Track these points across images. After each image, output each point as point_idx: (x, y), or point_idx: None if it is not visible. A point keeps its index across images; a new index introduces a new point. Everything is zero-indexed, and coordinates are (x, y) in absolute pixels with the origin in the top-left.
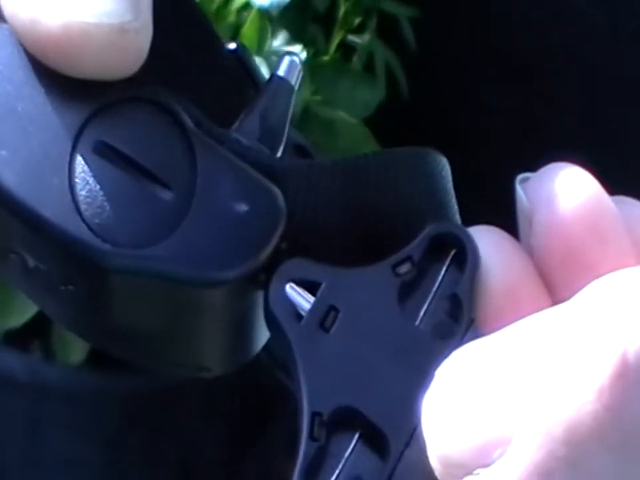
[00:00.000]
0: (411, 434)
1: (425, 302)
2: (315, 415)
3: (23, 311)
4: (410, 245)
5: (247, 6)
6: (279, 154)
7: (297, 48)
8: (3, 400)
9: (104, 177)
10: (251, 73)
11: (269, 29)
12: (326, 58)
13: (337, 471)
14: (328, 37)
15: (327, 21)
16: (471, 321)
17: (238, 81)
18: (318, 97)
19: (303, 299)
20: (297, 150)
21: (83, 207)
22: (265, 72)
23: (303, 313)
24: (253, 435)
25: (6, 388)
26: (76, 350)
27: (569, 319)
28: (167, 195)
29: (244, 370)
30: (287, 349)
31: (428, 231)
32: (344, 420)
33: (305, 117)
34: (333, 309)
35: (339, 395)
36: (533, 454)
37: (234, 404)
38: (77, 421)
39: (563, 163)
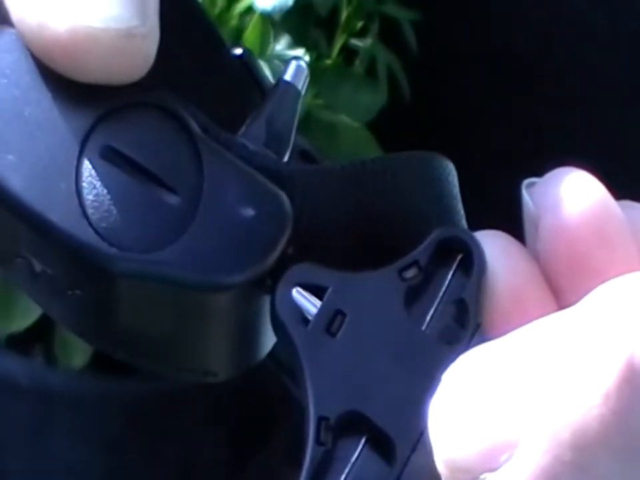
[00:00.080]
0: (418, 438)
1: (431, 307)
2: (321, 419)
3: (25, 316)
4: (416, 249)
5: (249, 10)
6: (285, 159)
7: (299, 52)
8: (4, 404)
9: (111, 182)
10: (256, 78)
11: (272, 33)
12: (328, 62)
13: (344, 476)
14: (330, 40)
15: (329, 24)
16: (477, 326)
17: (244, 86)
18: (320, 101)
19: (309, 304)
20: (303, 155)
21: (89, 211)
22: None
23: (310, 318)
24: (256, 440)
25: (8, 392)
26: (78, 354)
27: (575, 323)
28: (173, 200)
29: (247, 375)
30: (293, 354)
31: (434, 235)
32: (350, 424)
33: (307, 121)
34: (339, 313)
35: (345, 400)
36: (540, 458)
37: (236, 409)
38: (79, 426)
39: (569, 167)
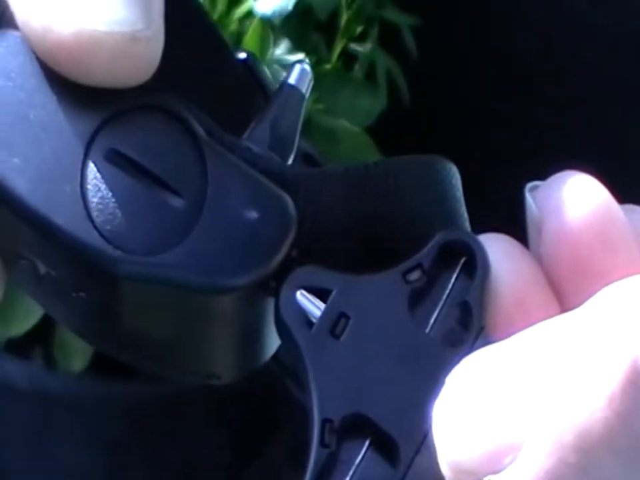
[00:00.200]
0: (422, 441)
1: (435, 309)
2: (325, 421)
3: (25, 319)
4: (420, 252)
5: (249, 15)
6: (289, 162)
7: (299, 56)
8: (4, 408)
9: (116, 185)
10: (260, 81)
11: (271, 38)
12: (328, 66)
13: (348, 478)
14: (330, 45)
15: (328, 29)
16: (481, 329)
17: (248, 90)
18: (320, 106)
19: (313, 306)
20: (306, 159)
21: (94, 214)
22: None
23: (314, 320)
24: (258, 443)
25: (7, 396)
26: (77, 358)
27: (579, 326)
28: (178, 203)
29: (250, 378)
30: (297, 356)
31: (438, 238)
32: (354, 427)
33: (307, 126)
34: (343, 315)
35: (349, 402)
36: (544, 461)
37: (239, 412)
38: (79, 429)
39: (572, 171)
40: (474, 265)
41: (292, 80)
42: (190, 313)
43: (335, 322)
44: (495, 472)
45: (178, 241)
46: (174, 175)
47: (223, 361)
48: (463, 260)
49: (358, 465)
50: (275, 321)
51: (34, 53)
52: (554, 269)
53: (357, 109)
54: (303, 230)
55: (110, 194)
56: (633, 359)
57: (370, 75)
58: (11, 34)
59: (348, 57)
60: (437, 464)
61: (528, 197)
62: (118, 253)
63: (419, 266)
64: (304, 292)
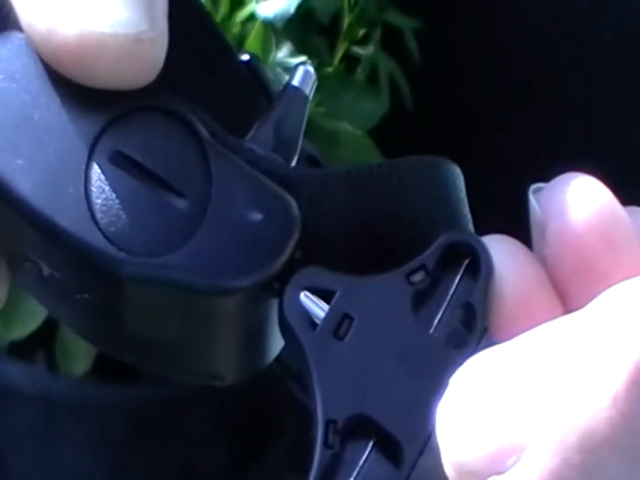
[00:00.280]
0: (425, 442)
1: (438, 310)
2: (329, 422)
3: (27, 322)
4: (424, 253)
5: (251, 18)
6: (293, 163)
7: (301, 60)
8: (6, 411)
9: (119, 186)
10: (263, 83)
11: (273, 41)
12: (330, 69)
13: (352, 479)
14: (332, 48)
15: (330, 32)
16: (485, 330)
17: (251, 92)
18: (322, 109)
19: (317, 307)
20: (309, 161)
21: (98, 215)
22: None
23: (318, 321)
24: (259, 446)
25: (10, 399)
26: (80, 361)
27: (582, 327)
28: (181, 204)
29: (251, 380)
30: (301, 357)
31: (441, 239)
32: (358, 428)
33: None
34: (347, 317)
35: (353, 403)
36: (547, 461)
37: (239, 415)
38: (82, 432)
39: (576, 172)
40: (477, 266)
41: (295, 82)
42: (193, 314)
43: (339, 323)
44: (499, 473)
45: (182, 242)
46: (178, 177)
47: (227, 362)
48: (466, 261)
49: (362, 466)
50: (278, 322)
51: (38, 54)
52: (557, 271)
53: (359, 112)
54: (307, 231)
55: (114, 195)
56: (637, 360)
57: (372, 78)
58: (15, 36)
59: (350, 60)
60: (440, 465)
61: (531, 198)
62: (122, 254)
63: (422, 267)
64: (308, 293)
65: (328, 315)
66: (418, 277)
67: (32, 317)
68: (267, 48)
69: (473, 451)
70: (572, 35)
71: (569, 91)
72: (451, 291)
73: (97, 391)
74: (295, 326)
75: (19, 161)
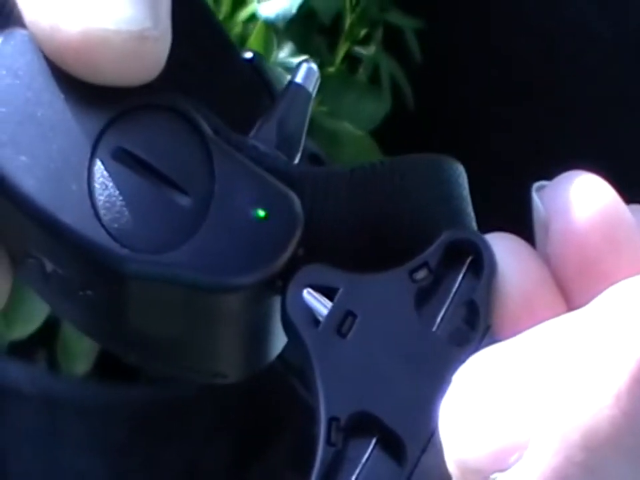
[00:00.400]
0: (428, 439)
1: (441, 308)
2: (332, 419)
3: (28, 322)
4: (426, 251)
5: (252, 18)
6: (296, 161)
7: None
8: (7, 411)
9: (122, 183)
10: (266, 81)
11: (275, 41)
12: (331, 69)
13: (354, 476)
14: (333, 48)
15: (332, 32)
16: (487, 328)
17: (254, 90)
18: (323, 109)
19: (320, 305)
20: (312, 159)
21: (101, 212)
22: None
23: (320, 319)
24: (261, 445)
25: (11, 399)
26: (81, 361)
27: (585, 325)
28: (184, 201)
29: (254, 380)
30: (304, 355)
31: (444, 237)
32: (361, 425)
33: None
34: (350, 314)
35: (356, 400)
36: (550, 459)
37: (241, 416)
38: (83, 432)
39: (579, 170)
40: (480, 264)
41: (299, 79)
42: (196, 311)
43: (342, 320)
44: (502, 470)
45: (185, 239)
46: (181, 174)
47: (230, 359)
48: (469, 259)
49: (364, 464)
50: (281, 319)
51: (41, 51)
52: (560, 269)
53: (360, 112)
54: (310, 228)
55: (117, 192)
56: (639, 358)
57: (374, 78)
58: (19, 32)
59: (352, 60)
60: (443, 462)
61: (535, 196)
62: (125, 251)
63: (425, 265)
64: (310, 290)
65: (331, 312)
66: (421, 274)
67: (33, 316)
68: (268, 48)
69: (476, 448)
70: (572, 35)
71: (569, 91)
72: (454, 289)
73: (98, 390)
74: (298, 323)
75: (23, 158)
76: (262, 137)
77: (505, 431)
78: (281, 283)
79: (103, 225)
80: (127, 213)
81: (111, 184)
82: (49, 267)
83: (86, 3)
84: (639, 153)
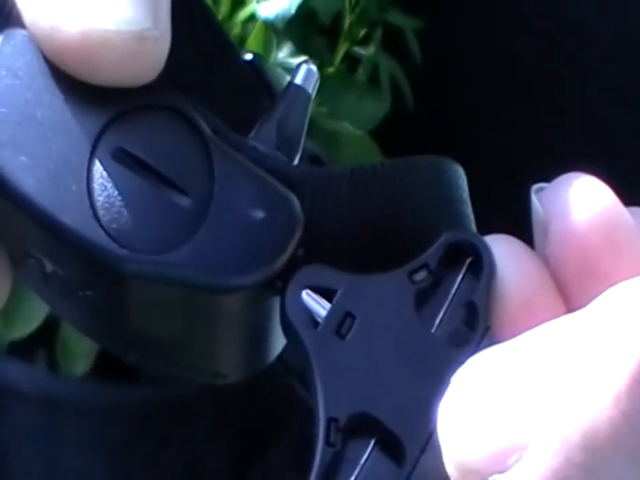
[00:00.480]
0: (427, 440)
1: (441, 309)
2: (331, 420)
3: (27, 322)
4: (426, 252)
5: (252, 18)
6: (295, 162)
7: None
8: (7, 411)
9: (122, 183)
10: (266, 82)
11: (274, 41)
12: (331, 70)
13: (353, 477)
14: (333, 48)
15: (331, 32)
16: (487, 329)
17: (254, 91)
18: (323, 109)
19: (319, 306)
20: (313, 160)
21: (101, 212)
22: None
23: (320, 320)
24: (261, 446)
25: (10, 399)
26: (80, 361)
27: (584, 326)
28: (184, 201)
29: (253, 380)
30: (303, 356)
31: (444, 238)
32: (360, 426)
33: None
34: (349, 315)
35: (355, 401)
36: (550, 460)
37: (242, 414)
38: (83, 432)
39: (578, 172)
40: (480, 266)
41: (298, 80)
42: (196, 312)
43: (341, 321)
44: (501, 471)
45: (184, 239)
46: (180, 174)
47: (229, 359)
48: (469, 260)
49: (363, 465)
50: (280, 320)
51: (41, 51)
52: (560, 271)
53: (360, 112)
54: (309, 229)
55: (116, 192)
56: (639, 359)
57: (373, 78)
58: (19, 32)
59: (351, 61)
60: (442, 463)
61: (534, 198)
62: (124, 251)
63: (425, 266)
64: (310, 291)
65: (330, 313)
66: (420, 275)
67: (32, 316)
68: (267, 48)
69: (475, 449)
70: (572, 35)
71: (569, 91)
72: (453, 290)
73: (98, 390)
74: (297, 324)
75: (22, 158)
76: (262, 137)
77: (504, 432)
78: (281, 283)
79: (102, 226)
80: (126, 213)
81: (110, 184)
82: (49, 267)
83: (86, 3)
84: (639, 153)
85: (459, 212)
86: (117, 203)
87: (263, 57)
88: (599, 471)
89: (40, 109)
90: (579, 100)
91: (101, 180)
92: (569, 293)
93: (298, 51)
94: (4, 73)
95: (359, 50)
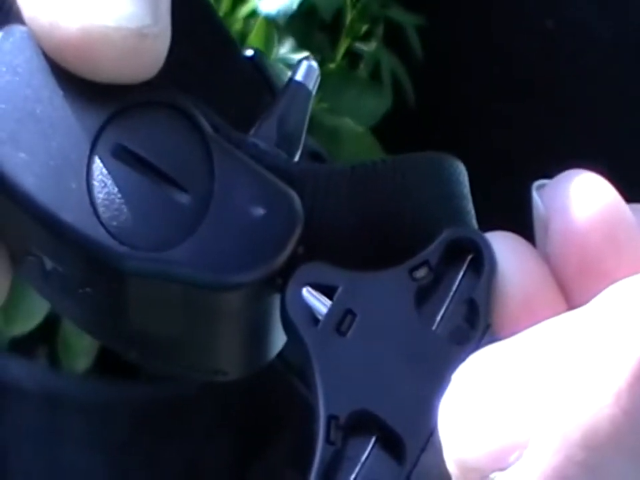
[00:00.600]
0: (428, 438)
1: (441, 307)
2: (331, 418)
3: (28, 318)
4: (427, 249)
5: (253, 14)
6: (296, 159)
7: (303, 55)
8: (8, 408)
9: (122, 180)
10: (267, 78)
11: (276, 37)
12: (332, 66)
13: (354, 475)
14: (334, 44)
15: (333, 29)
16: (487, 326)
17: (254, 87)
18: (324, 105)
19: (319, 303)
20: (313, 157)
21: (100, 209)
22: None
23: (320, 317)
24: (261, 444)
25: (11, 395)
26: (81, 358)
27: (585, 323)
28: (184, 199)
29: (254, 378)
30: (303, 353)
31: (445, 235)
32: (360, 424)
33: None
34: (349, 312)
35: (355, 399)
36: (550, 458)
37: (242, 412)
38: (83, 429)
39: (580, 169)
40: (481, 263)
41: (299, 76)
42: (196, 309)
43: (341, 319)
44: (501, 469)
45: (184, 237)
46: (180, 171)
47: (229, 357)
48: (469, 257)
49: (364, 462)
50: (280, 317)
51: (41, 48)
52: (561, 268)
53: (361, 108)
54: (310, 227)
55: (116, 190)
56: (639, 357)
57: (375, 74)
58: (18, 29)
59: (352, 57)
60: (443, 461)
61: (535, 195)
62: (124, 249)
63: (425, 263)
64: (310, 289)
65: (330, 310)
66: (421, 272)
67: (33, 313)
68: (269, 44)
69: (475, 447)
70: (572, 35)
71: (569, 91)
72: (454, 287)
73: (99, 387)
74: (297, 322)
75: (22, 155)
76: (262, 134)
77: (504, 429)
78: (281, 281)
79: (101, 223)
80: (126, 210)
81: (110, 181)
82: (49, 264)
83: (85, 0)
84: (639, 153)
85: (459, 208)
86: (117, 200)
87: (264, 53)
88: (599, 469)
89: (39, 105)
90: (578, 100)
91: (100, 177)
92: (569, 290)
93: (299, 46)
94: (3, 69)
95: (361, 46)
